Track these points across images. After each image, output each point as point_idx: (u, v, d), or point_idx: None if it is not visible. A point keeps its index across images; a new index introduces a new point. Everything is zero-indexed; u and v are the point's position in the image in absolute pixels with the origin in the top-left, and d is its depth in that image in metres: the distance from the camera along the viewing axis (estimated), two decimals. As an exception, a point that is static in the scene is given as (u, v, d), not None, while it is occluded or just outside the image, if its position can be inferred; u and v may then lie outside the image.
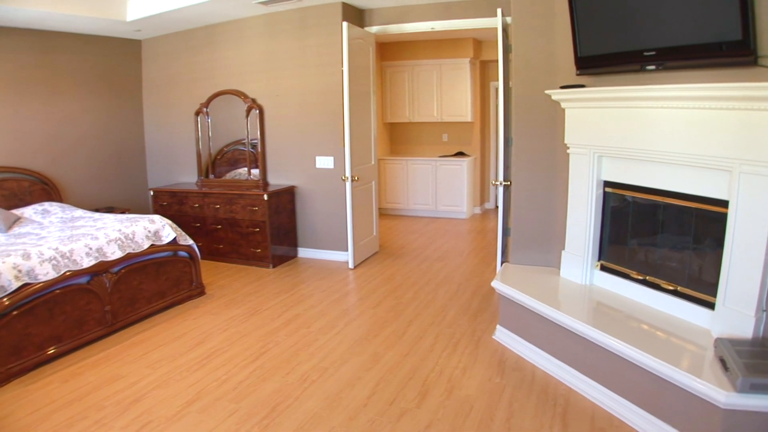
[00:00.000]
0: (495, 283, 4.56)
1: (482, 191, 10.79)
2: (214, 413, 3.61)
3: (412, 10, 6.76)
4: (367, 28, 7.04)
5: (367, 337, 4.77)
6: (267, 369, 4.23)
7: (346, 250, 7.02)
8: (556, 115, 4.48)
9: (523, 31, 4.62)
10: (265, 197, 6.87)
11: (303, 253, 7.55)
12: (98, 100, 7.89)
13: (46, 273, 4.46)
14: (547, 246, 4.77)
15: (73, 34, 7.42)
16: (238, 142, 7.74)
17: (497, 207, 6.33)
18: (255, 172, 7.56)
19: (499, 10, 5.11)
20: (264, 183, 7.47)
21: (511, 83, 4.95)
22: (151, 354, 4.59)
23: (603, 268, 4.21)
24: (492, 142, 10.73)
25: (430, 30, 6.91)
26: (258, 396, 3.82)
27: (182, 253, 5.77)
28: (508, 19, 5.04)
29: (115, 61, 8.10)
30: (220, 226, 7.31)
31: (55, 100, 7.30)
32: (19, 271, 4.29)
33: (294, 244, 7.53)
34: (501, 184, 5.33)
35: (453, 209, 10.05)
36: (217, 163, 7.95)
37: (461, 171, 9.90)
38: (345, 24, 6.28)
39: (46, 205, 6.47)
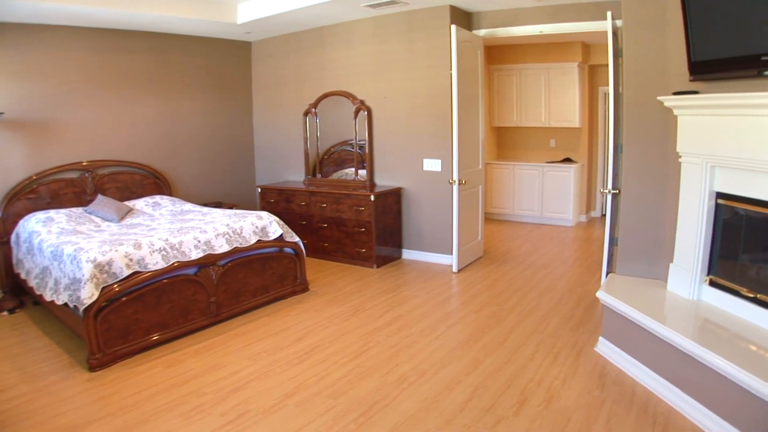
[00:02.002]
0: (600, 294, 4.44)
1: (588, 199, 10.48)
2: (311, 408, 3.71)
3: (521, 13, 6.66)
4: (474, 31, 7.00)
5: (468, 342, 4.76)
6: (366, 368, 4.30)
7: (451, 253, 7.00)
8: (668, 122, 4.30)
9: (634, 35, 4.47)
10: (372, 198, 6.97)
11: (407, 254, 7.61)
12: (209, 100, 8.31)
13: (156, 263, 4.74)
14: (655, 258, 4.59)
15: (186, 36, 7.84)
16: (345, 142, 7.88)
17: (603, 215, 6.15)
18: (362, 172, 7.67)
19: (609, 14, 4.97)
20: (371, 184, 7.58)
21: (621, 88, 4.81)
22: (253, 346, 4.78)
23: (712, 284, 4.00)
24: (600, 149, 10.41)
25: (539, 33, 6.79)
26: (356, 394, 3.90)
27: (288, 250, 5.96)
28: (618, 23, 4.91)
29: (225, 62, 8.51)
30: (326, 225, 7.48)
31: (168, 99, 7.76)
32: (130, 259, 4.58)
33: (398, 245, 7.60)
34: (609, 192, 5.19)
35: (559, 216, 9.82)
36: (324, 162, 8.14)
37: (568, 177, 9.67)
38: (453, 27, 6.27)
39: (157, 198, 6.89)
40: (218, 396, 3.90)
